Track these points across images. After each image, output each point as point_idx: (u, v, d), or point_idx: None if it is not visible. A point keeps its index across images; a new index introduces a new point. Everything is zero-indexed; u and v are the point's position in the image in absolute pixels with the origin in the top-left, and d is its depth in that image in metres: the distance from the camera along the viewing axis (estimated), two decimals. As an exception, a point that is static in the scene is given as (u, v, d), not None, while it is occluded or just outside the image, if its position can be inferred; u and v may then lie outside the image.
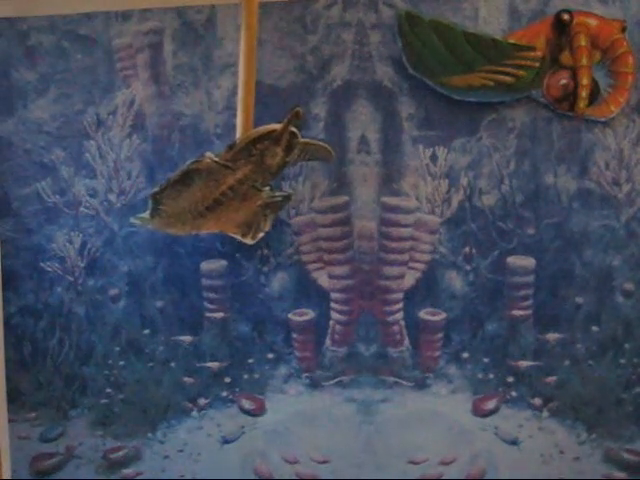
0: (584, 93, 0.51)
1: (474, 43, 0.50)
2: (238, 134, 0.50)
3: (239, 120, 0.51)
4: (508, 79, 0.51)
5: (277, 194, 0.51)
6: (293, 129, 0.49)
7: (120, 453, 0.57)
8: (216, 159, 0.50)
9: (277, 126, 0.49)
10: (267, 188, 0.51)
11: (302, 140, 0.50)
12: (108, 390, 0.57)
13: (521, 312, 0.54)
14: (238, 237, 0.52)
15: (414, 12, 0.51)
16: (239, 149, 0.50)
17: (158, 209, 0.51)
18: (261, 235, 0.52)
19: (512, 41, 0.51)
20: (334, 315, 0.56)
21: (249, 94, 0.51)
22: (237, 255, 0.56)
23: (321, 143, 0.51)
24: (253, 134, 0.50)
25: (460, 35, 0.50)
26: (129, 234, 0.56)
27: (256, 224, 0.52)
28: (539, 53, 0.51)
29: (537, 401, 0.55)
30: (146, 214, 0.52)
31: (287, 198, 0.52)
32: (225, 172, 0.50)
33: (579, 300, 0.54)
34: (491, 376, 0.55)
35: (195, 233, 0.53)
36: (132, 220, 0.53)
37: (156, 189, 0.51)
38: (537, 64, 0.51)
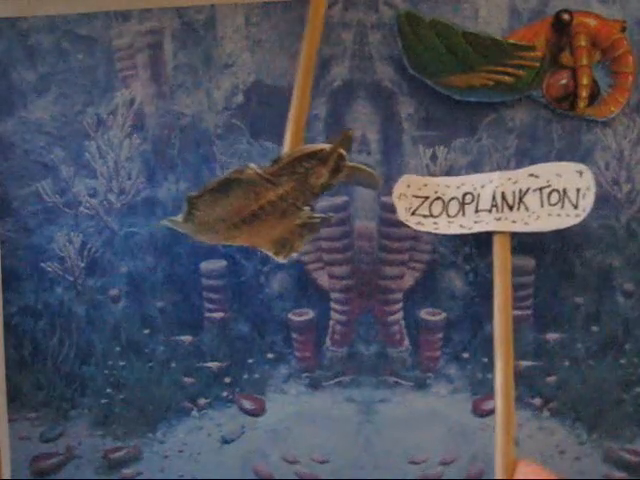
0: (584, 93, 0.51)
1: (474, 43, 0.50)
2: (286, 149, 0.48)
3: (288, 135, 0.49)
4: (508, 79, 0.51)
5: (316, 215, 0.49)
6: (342, 151, 0.47)
7: (120, 453, 0.57)
8: (259, 171, 0.47)
9: (326, 146, 0.47)
10: (307, 208, 0.49)
11: (349, 164, 0.48)
12: (108, 390, 0.57)
13: (521, 312, 0.54)
14: (270, 254, 0.50)
15: (414, 12, 0.51)
16: (284, 164, 0.47)
17: (192, 214, 0.49)
18: (294, 255, 0.50)
19: (512, 41, 0.51)
20: (334, 315, 0.56)
21: (303, 107, 0.49)
22: (237, 255, 0.56)
23: (368, 169, 0.49)
24: (300, 151, 0.47)
25: (460, 35, 0.50)
26: (129, 234, 0.56)
27: (291, 243, 0.50)
28: (539, 53, 0.51)
29: (537, 401, 0.55)
30: (179, 217, 0.49)
31: (326, 220, 0.49)
32: (266, 186, 0.48)
33: (579, 300, 0.54)
34: (491, 376, 0.55)
35: (228, 244, 0.51)
36: (163, 222, 0.51)
37: (193, 193, 0.49)
38: (537, 64, 0.51)
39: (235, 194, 0.48)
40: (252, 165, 0.47)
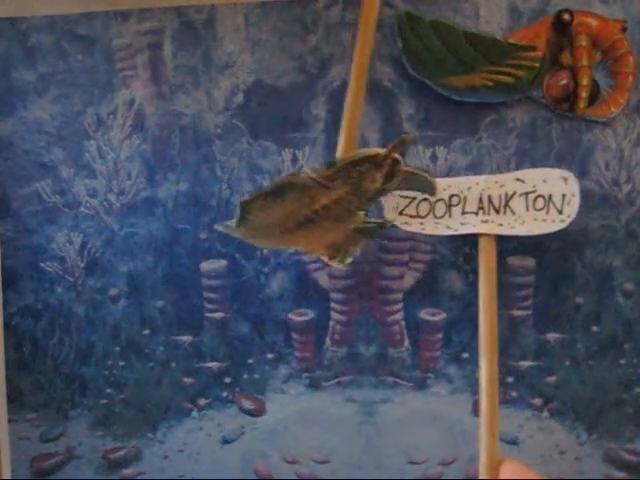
0: (584, 93, 0.51)
1: (474, 43, 0.50)
2: (339, 153, 0.48)
3: (342, 139, 0.49)
4: (508, 79, 0.51)
5: (371, 220, 0.49)
6: (397, 156, 0.47)
7: (120, 453, 0.57)
8: (313, 175, 0.47)
9: (380, 150, 0.47)
10: (362, 212, 0.48)
11: (404, 169, 0.47)
12: (108, 390, 0.57)
13: (521, 312, 0.54)
14: (325, 259, 0.50)
15: (414, 12, 0.51)
16: (338, 169, 0.47)
17: (246, 218, 0.48)
18: (349, 260, 0.50)
19: (512, 41, 0.51)
20: (334, 315, 0.56)
21: (355, 112, 0.49)
22: (237, 255, 0.56)
23: (423, 174, 0.49)
24: (355, 156, 0.47)
25: (460, 35, 0.50)
26: (129, 234, 0.56)
27: (345, 248, 0.49)
28: (539, 53, 0.51)
29: (537, 401, 0.55)
30: (232, 222, 0.49)
31: (381, 226, 0.49)
32: (321, 190, 0.47)
33: (579, 300, 0.54)
34: (491, 376, 0.55)
35: (282, 249, 0.51)
36: (216, 227, 0.51)
37: (247, 197, 0.48)
38: (537, 64, 0.51)
39: (289, 198, 0.48)
40: (306, 169, 0.48)
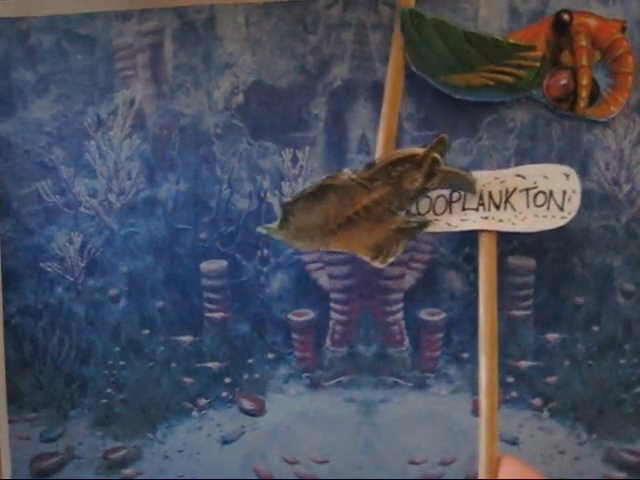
0: (584, 93, 0.51)
1: (475, 42, 0.50)
2: (378, 153, 0.48)
3: (380, 139, 0.49)
4: (508, 79, 0.51)
5: (413, 220, 0.49)
6: (436, 155, 0.47)
7: (120, 453, 0.57)
8: (353, 176, 0.48)
9: (419, 150, 0.47)
10: (403, 212, 0.49)
11: (444, 168, 0.48)
12: (108, 390, 0.57)
13: (521, 312, 0.54)
14: (367, 259, 0.50)
15: (417, 10, 0.51)
16: (378, 169, 0.47)
17: (288, 221, 0.49)
18: (391, 260, 0.50)
19: (512, 41, 0.51)
20: (334, 315, 0.56)
21: (393, 113, 0.49)
22: (237, 255, 0.56)
23: (463, 172, 0.49)
24: (394, 156, 0.48)
25: (461, 34, 0.50)
26: (129, 234, 0.56)
27: (387, 248, 0.49)
28: (539, 53, 0.51)
29: (537, 401, 0.55)
30: (274, 224, 0.49)
31: (423, 225, 0.49)
32: (361, 191, 0.48)
33: (579, 300, 0.54)
34: (491, 376, 0.55)
35: (323, 250, 0.51)
36: (258, 229, 0.51)
37: (288, 199, 0.49)
38: (537, 64, 0.51)
39: (330, 200, 0.48)
40: (346, 170, 0.48)
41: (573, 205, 0.48)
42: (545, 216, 0.49)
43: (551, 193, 0.49)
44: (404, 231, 0.49)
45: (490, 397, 0.48)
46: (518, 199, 0.49)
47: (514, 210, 0.49)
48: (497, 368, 0.49)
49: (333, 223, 0.49)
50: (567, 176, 0.49)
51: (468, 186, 0.49)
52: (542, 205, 0.49)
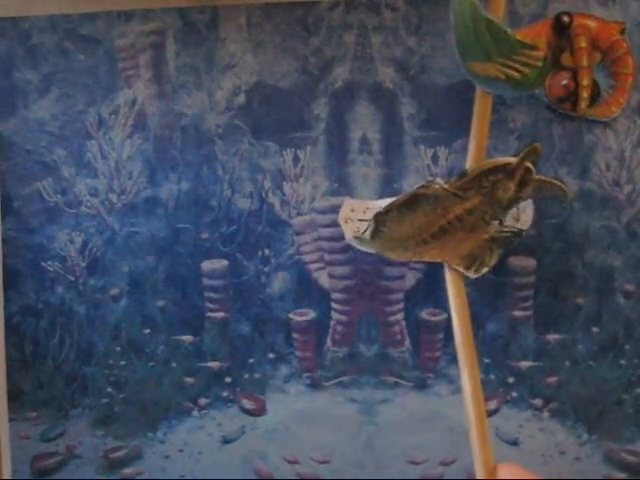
0: (585, 94, 0.51)
1: (493, 31, 0.49)
2: (469, 163, 0.48)
3: (471, 148, 0.48)
4: (515, 75, 0.51)
5: (506, 229, 0.48)
6: (529, 165, 0.47)
7: (120, 453, 0.57)
8: (446, 186, 0.47)
9: (512, 159, 0.47)
10: (496, 222, 0.48)
11: (537, 177, 0.47)
12: (109, 390, 0.57)
13: (522, 313, 0.54)
14: (460, 269, 0.49)
15: None
16: (470, 179, 0.47)
17: (380, 231, 0.48)
18: (485, 270, 0.49)
19: (519, 37, 0.50)
20: (335, 315, 0.56)
21: (484, 121, 0.48)
22: (238, 255, 0.56)
23: (557, 182, 0.48)
24: (486, 165, 0.47)
25: (483, 20, 0.49)
26: (130, 234, 0.56)
27: (481, 258, 0.49)
28: (541, 53, 0.51)
29: (538, 402, 0.55)
30: (366, 235, 0.49)
31: (517, 234, 0.49)
32: (454, 200, 0.47)
33: (580, 301, 0.54)
34: (492, 377, 0.55)
35: (417, 260, 0.50)
36: (349, 241, 0.50)
37: (380, 210, 0.48)
38: (539, 64, 0.51)
39: (422, 210, 0.48)
40: (438, 180, 0.47)
41: (528, 216, 0.49)
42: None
43: None
44: (497, 241, 0.48)
45: (478, 407, 0.47)
46: None
47: None
48: (479, 378, 0.47)
49: (426, 233, 0.48)
50: None
51: (562, 195, 0.49)
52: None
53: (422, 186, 0.48)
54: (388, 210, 0.48)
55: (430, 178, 0.54)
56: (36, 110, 0.56)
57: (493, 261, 0.49)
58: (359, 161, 0.54)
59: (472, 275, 0.49)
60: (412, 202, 0.48)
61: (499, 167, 0.47)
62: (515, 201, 0.48)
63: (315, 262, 0.55)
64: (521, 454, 0.55)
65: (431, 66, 0.54)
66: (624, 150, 0.53)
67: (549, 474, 0.55)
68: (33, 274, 0.57)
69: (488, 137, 0.53)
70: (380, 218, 0.48)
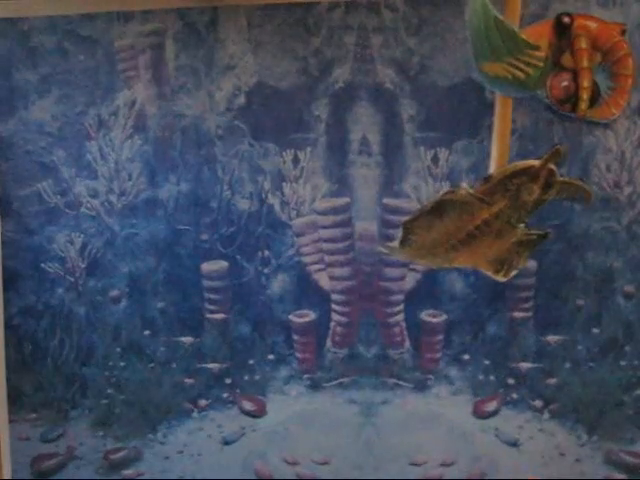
0: (585, 95, 0.51)
1: (502, 31, 0.48)
2: (492, 168, 0.48)
3: (494, 153, 0.49)
4: (520, 74, 0.50)
5: (533, 232, 0.49)
6: (552, 167, 0.47)
7: (120, 454, 0.57)
8: (471, 191, 0.47)
9: (535, 162, 0.47)
10: (522, 225, 0.48)
11: (560, 179, 0.47)
12: (109, 391, 0.57)
13: (522, 314, 0.54)
14: (489, 273, 0.49)
15: None
16: (495, 183, 0.47)
17: (409, 239, 0.49)
18: (514, 273, 0.49)
19: (524, 37, 0.50)
20: (335, 316, 0.56)
21: (506, 125, 0.49)
22: (238, 256, 0.56)
23: (580, 183, 0.48)
24: (510, 169, 0.47)
25: (493, 19, 0.48)
26: (130, 235, 0.56)
27: (509, 261, 0.49)
28: (543, 53, 0.51)
29: (538, 403, 0.55)
30: (395, 243, 0.49)
31: (543, 237, 0.49)
32: (480, 205, 0.48)
33: (580, 302, 0.54)
34: (492, 378, 0.55)
35: (447, 266, 0.51)
36: (380, 248, 0.51)
37: (408, 217, 0.48)
38: (541, 64, 0.51)
39: (450, 216, 0.48)
40: (464, 185, 0.48)
41: None
42: None
43: None
44: (524, 244, 0.49)
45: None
46: None
47: None
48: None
49: (454, 239, 0.48)
50: None
51: (585, 196, 0.49)
52: None
53: (448, 192, 0.48)
54: (415, 218, 0.48)
55: (431, 180, 0.54)
56: (35, 111, 0.56)
57: (521, 264, 0.49)
58: (359, 162, 0.54)
59: (501, 279, 0.49)
60: (439, 208, 0.48)
61: (523, 170, 0.47)
62: (540, 203, 0.48)
63: (315, 263, 0.55)
64: (521, 455, 0.55)
65: (431, 67, 0.54)
66: (624, 151, 0.53)
67: (549, 475, 0.55)
68: (33, 275, 0.57)
69: (489, 138, 0.53)
70: (408, 226, 0.48)
